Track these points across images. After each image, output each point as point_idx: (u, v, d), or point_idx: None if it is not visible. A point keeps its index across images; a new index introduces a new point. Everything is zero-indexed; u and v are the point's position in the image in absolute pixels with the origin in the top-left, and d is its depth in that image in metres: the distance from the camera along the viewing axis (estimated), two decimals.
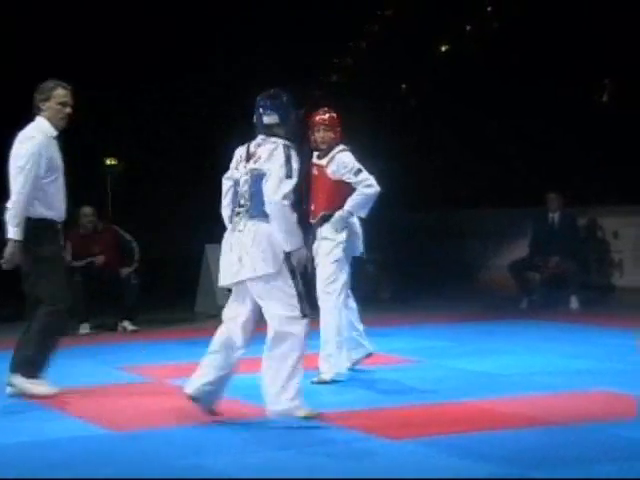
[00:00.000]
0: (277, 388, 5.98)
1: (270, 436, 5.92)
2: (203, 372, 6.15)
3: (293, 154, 6.05)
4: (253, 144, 6.18)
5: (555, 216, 12.59)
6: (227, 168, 6.32)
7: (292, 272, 6.02)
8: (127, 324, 11.26)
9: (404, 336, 10.02)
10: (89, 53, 15.67)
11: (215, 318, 12.34)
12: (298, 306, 5.98)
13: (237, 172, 6.18)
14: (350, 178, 7.53)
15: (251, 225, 6.01)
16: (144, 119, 16.01)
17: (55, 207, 7.19)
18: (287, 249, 5.99)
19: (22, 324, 7.39)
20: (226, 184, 6.29)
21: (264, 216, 5.98)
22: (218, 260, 6.22)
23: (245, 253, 5.98)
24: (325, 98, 21.19)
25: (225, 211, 6.27)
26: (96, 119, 15.48)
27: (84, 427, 6.26)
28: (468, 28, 20.25)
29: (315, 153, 7.73)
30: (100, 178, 16.03)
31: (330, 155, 7.61)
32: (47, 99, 7.20)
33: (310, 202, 7.67)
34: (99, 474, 5.21)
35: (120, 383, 7.83)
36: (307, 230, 6.82)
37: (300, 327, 5.96)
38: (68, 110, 7.24)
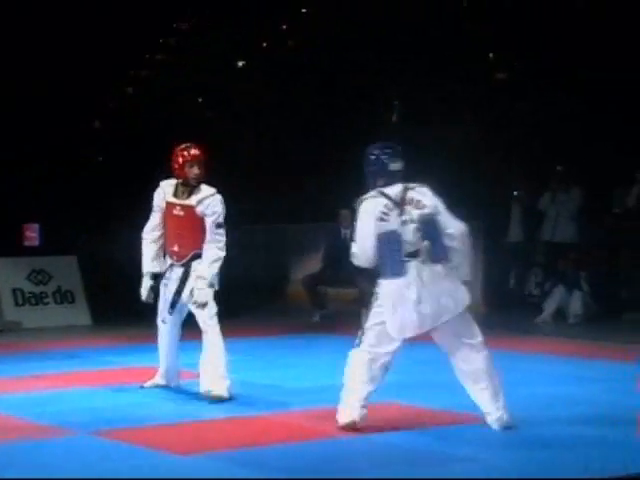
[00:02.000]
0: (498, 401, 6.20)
1: (54, 454, 5.81)
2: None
3: None
4: (395, 193, 6.26)
5: (348, 232, 12.86)
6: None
7: None
8: None
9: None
10: None
11: (1, 334, 12.13)
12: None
13: (388, 223, 6.20)
14: (210, 225, 7.38)
15: (439, 268, 6.18)
16: None
17: None
18: (468, 278, 6.27)
19: None
20: (371, 240, 6.22)
21: (444, 257, 6.20)
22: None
23: (445, 295, 6.15)
24: (120, 110, 20.99)
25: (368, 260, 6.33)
26: None
27: None
28: (264, 45, 20.47)
29: (169, 188, 7.51)
30: None
31: (199, 196, 7.42)
32: None
33: (169, 242, 7.50)
34: None
35: None
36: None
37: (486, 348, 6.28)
38: None
